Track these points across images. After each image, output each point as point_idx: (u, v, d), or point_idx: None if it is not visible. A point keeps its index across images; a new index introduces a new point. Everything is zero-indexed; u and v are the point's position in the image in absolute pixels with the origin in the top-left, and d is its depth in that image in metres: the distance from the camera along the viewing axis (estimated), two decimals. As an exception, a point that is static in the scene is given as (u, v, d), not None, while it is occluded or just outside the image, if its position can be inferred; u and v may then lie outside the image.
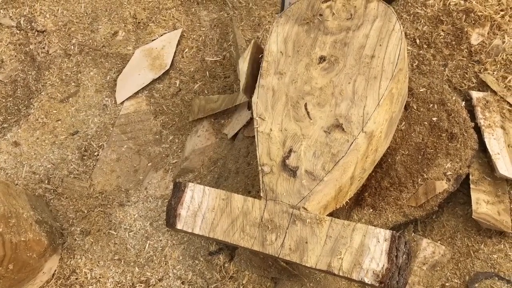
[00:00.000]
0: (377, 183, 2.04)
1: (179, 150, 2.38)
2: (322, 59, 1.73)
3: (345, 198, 1.79)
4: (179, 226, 1.61)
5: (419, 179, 2.01)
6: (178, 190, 1.66)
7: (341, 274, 1.43)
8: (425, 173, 2.01)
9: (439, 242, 2.00)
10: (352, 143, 1.57)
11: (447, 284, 1.92)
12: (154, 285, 2.08)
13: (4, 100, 2.63)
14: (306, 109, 1.66)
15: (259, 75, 1.77)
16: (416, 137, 2.07)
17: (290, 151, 1.61)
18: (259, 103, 1.71)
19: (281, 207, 1.54)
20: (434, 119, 2.09)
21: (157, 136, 2.43)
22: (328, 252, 1.46)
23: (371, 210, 2.01)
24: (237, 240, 1.55)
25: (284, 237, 1.51)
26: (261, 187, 1.60)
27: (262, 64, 1.78)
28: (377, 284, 1.40)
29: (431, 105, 2.12)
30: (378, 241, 1.43)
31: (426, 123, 2.09)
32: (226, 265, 2.05)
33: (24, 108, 2.59)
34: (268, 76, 1.75)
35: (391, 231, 1.44)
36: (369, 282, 1.40)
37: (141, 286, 2.08)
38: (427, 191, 1.98)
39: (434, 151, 2.03)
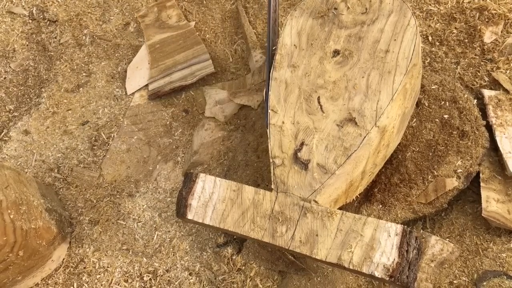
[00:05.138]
0: (387, 179, 2.04)
1: (189, 143, 2.38)
2: (336, 52, 1.73)
3: (355, 193, 1.79)
4: (189, 216, 1.62)
5: (429, 176, 2.00)
6: (189, 180, 1.66)
7: (351, 267, 1.43)
8: (435, 170, 2.00)
9: (447, 239, 1.99)
10: (364, 137, 1.57)
11: (455, 281, 1.91)
12: (161, 275, 2.08)
13: (15, 89, 2.64)
14: (319, 102, 1.66)
15: (272, 68, 1.77)
16: (427, 134, 2.07)
17: (302, 144, 1.61)
18: (272, 96, 1.71)
19: (292, 200, 1.54)
20: (446, 116, 2.08)
21: (167, 128, 2.43)
22: (339, 245, 1.46)
23: (380, 206, 2.00)
24: (247, 232, 1.55)
25: (295, 230, 1.51)
26: (272, 179, 1.60)
27: (276, 57, 1.77)
28: (387, 278, 1.39)
29: (443, 102, 2.12)
30: (389, 235, 1.43)
31: (437, 120, 2.09)
32: (234, 257, 2.05)
33: (35, 97, 2.60)
34: (281, 69, 1.75)
35: (402, 225, 1.44)
36: (380, 276, 1.40)
37: (148, 276, 2.09)
38: (437, 188, 1.97)
39: (445, 148, 2.03)
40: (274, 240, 1.52)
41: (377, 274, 1.40)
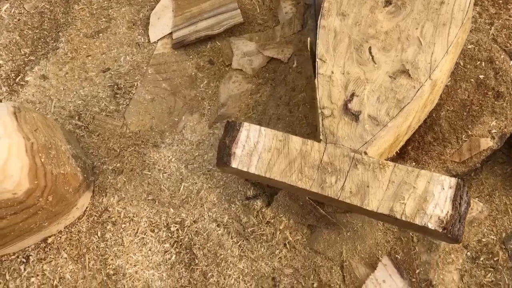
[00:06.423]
0: (420, 137, 2.03)
1: (214, 95, 2.32)
2: (388, 2, 1.67)
3: (396, 148, 1.78)
4: (234, 164, 1.58)
5: (463, 136, 2.00)
6: (232, 129, 1.62)
7: (403, 218, 1.42)
8: (469, 129, 2.00)
9: (477, 199, 2.01)
10: (418, 89, 1.54)
11: (483, 239, 1.94)
12: (189, 226, 2.06)
13: (30, 32, 2.51)
14: (370, 52, 1.61)
15: (320, 16, 1.70)
16: (462, 93, 2.05)
17: (353, 95, 1.58)
18: (320, 44, 1.66)
19: (341, 151, 1.52)
20: (481, 76, 2.06)
21: (192, 79, 2.36)
22: (391, 197, 1.45)
23: (413, 163, 2.00)
24: (295, 181, 1.53)
25: (345, 180, 1.49)
26: (320, 130, 1.57)
27: (324, 4, 1.71)
28: (441, 230, 1.40)
29: (479, 62, 2.09)
30: (443, 188, 1.43)
31: (472, 80, 2.06)
32: (263, 210, 2.04)
33: (52, 41, 2.49)
34: (330, 17, 1.69)
35: (456, 178, 1.43)
36: (433, 228, 1.40)
37: (176, 226, 2.07)
38: (471, 147, 1.97)
39: (480, 108, 2.01)
40: (323, 190, 1.50)
41: (430, 225, 1.40)
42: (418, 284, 1.90)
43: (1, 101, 2.31)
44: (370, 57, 1.60)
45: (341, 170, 1.50)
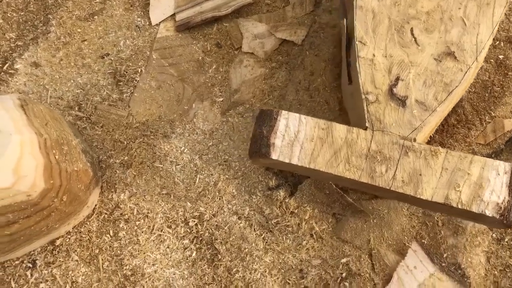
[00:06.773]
0: (444, 120, 1.99)
1: (225, 80, 2.19)
2: (427, -19, 1.60)
3: (431, 133, 1.74)
4: (274, 156, 1.49)
5: (487, 117, 1.98)
6: (269, 118, 1.51)
7: (459, 207, 1.38)
8: (492, 111, 1.98)
9: (499, 180, 2.01)
10: (466, 72, 1.48)
11: (507, 220, 1.95)
12: (208, 220, 1.96)
13: (15, 14, 2.28)
14: (412, 34, 1.54)
15: (355, -5, 1.61)
16: (482, 74, 2.03)
17: (397, 79, 1.50)
18: (358, 26, 1.57)
19: (390, 138, 1.45)
20: (501, 56, 2.04)
21: (200, 64, 2.22)
22: (445, 185, 1.40)
23: (439, 146, 1.96)
24: (342, 172, 1.45)
25: (396, 169, 1.43)
26: (366, 117, 1.49)
27: (359, -17, 1.62)
28: (498, 217, 1.36)
29: (497, 42, 2.07)
30: (498, 174, 1.39)
31: (492, 60, 2.05)
32: (287, 200, 1.96)
33: (41, 24, 2.26)
34: (367, -3, 1.60)
35: (510, 163, 1.40)
36: (490, 215, 1.36)
37: (194, 221, 1.95)
38: (495, 129, 1.96)
39: (501, 89, 2.00)
40: (373, 180, 1.43)
41: (488, 213, 1.36)
42: (448, 268, 1.88)
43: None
44: (413, 39, 1.53)
45: (391, 158, 1.43)
